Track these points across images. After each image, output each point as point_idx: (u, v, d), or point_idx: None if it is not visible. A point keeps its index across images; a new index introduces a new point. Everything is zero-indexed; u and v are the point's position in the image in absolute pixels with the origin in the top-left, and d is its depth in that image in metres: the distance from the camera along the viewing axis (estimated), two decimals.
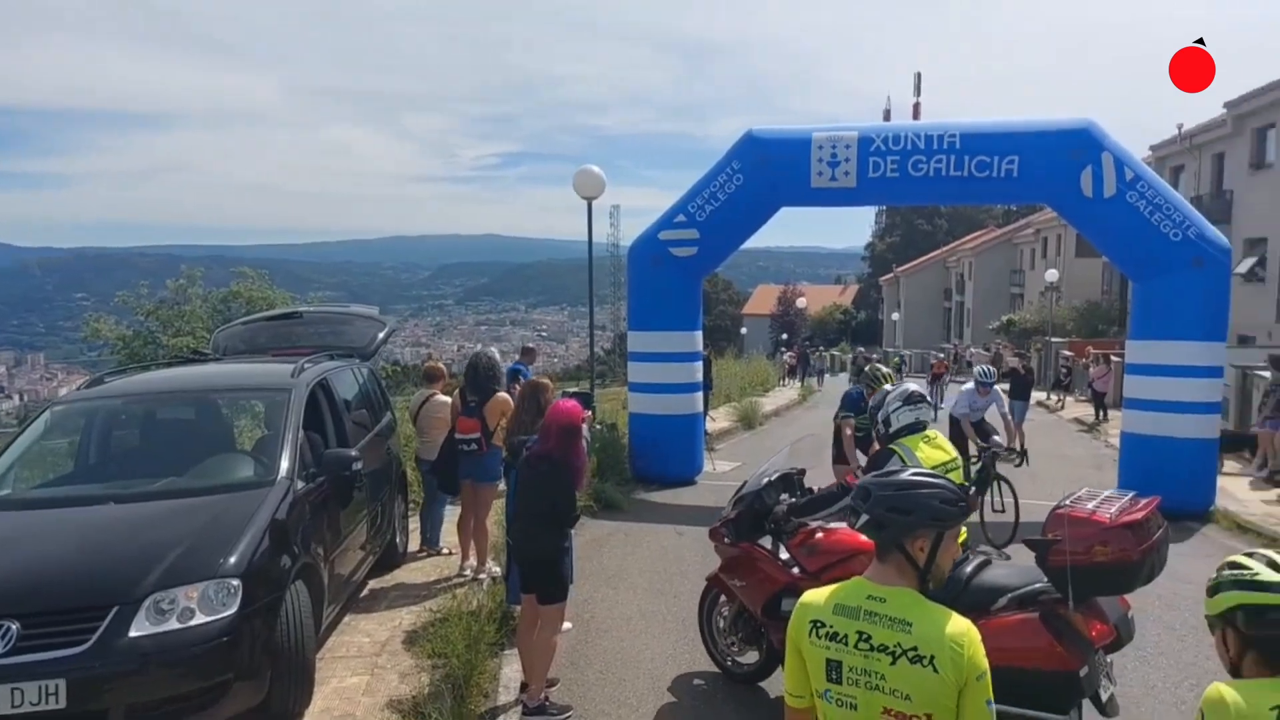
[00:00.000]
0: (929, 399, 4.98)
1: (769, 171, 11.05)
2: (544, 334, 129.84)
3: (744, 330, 63.94)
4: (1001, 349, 30.75)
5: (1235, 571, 1.96)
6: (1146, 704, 5.17)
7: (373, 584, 7.03)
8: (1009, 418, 9.48)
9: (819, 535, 4.83)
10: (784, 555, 4.96)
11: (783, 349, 45.13)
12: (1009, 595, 3.96)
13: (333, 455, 5.60)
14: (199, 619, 4.06)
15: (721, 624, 5.45)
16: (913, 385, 5.07)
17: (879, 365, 7.48)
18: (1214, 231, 10.31)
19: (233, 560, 4.28)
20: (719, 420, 17.55)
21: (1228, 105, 24.43)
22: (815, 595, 2.27)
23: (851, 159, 10.72)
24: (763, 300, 79.57)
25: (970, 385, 9.68)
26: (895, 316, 61.61)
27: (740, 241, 12.04)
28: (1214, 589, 2.00)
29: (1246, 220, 23.87)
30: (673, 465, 11.50)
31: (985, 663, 2.09)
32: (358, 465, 5.56)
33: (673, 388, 11.59)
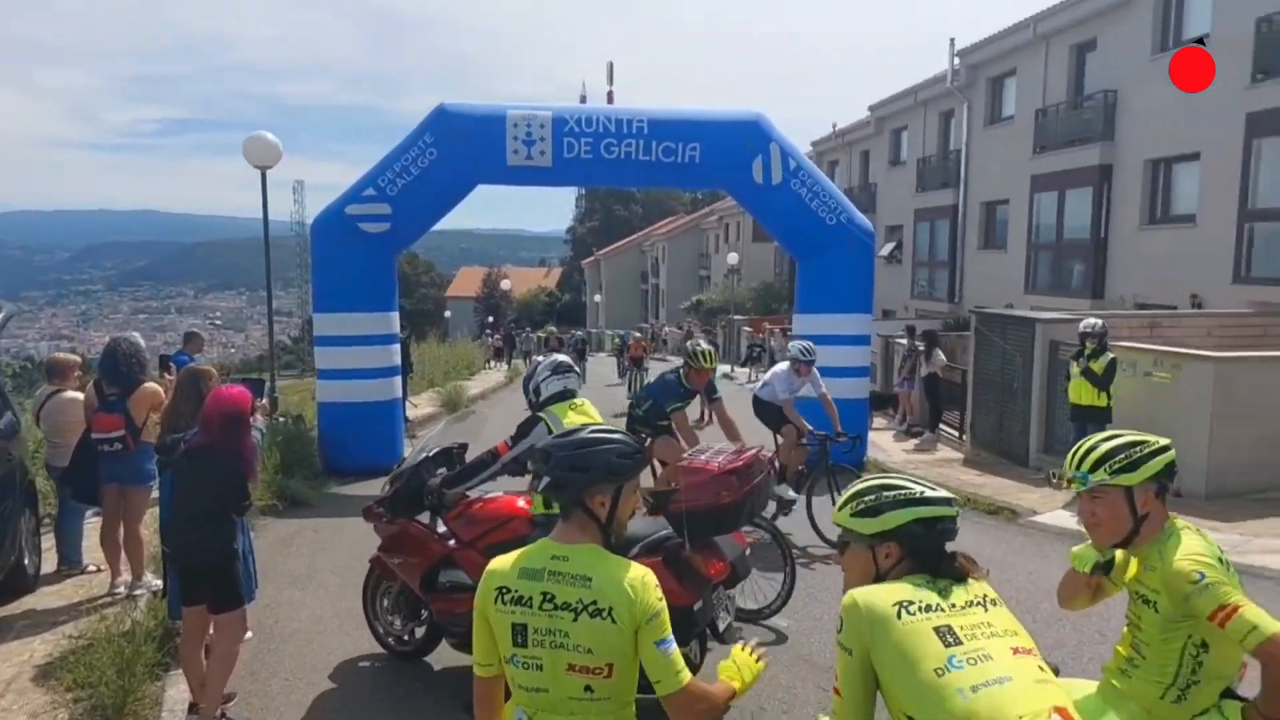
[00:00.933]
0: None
1: (464, 147, 10.81)
2: (218, 322, 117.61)
3: (448, 313, 62.83)
4: (692, 327, 33.00)
5: (895, 493, 2.17)
6: (815, 635, 5.68)
7: None
8: (828, 397, 8.55)
9: (476, 505, 4.97)
10: (441, 528, 5.05)
11: (489, 331, 44.96)
12: (640, 544, 4.28)
13: None
14: None
15: (386, 603, 5.40)
16: (561, 356, 5.25)
17: (699, 342, 7.26)
18: (861, 217, 11.68)
19: None
20: (421, 406, 17.01)
21: (871, 108, 27.94)
22: (501, 562, 2.27)
23: (547, 139, 10.80)
24: (466, 282, 78.69)
25: (785, 366, 8.56)
26: (598, 298, 63.80)
27: (436, 218, 11.66)
28: (874, 510, 2.17)
29: (887, 210, 27.50)
30: (369, 454, 10.88)
31: (659, 605, 2.18)
32: None
33: (367, 373, 10.97)
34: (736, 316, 33.49)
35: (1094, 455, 2.49)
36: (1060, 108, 18.56)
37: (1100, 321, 9.20)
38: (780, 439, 8.46)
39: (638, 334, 23.85)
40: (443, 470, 5.16)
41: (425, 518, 5.15)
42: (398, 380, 11.77)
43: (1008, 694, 1.86)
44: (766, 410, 8.55)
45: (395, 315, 11.60)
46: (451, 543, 4.96)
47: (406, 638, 5.38)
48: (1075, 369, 9.13)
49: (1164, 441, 2.52)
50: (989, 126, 21.66)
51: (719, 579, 4.40)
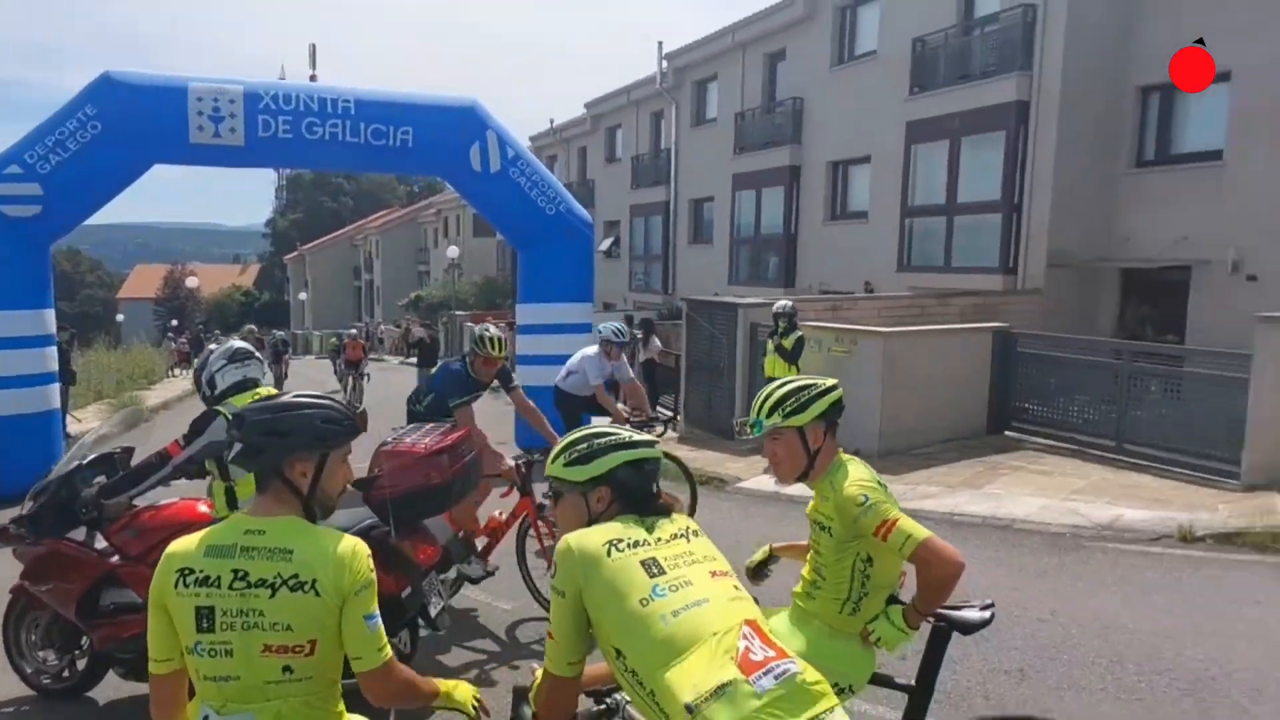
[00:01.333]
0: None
1: (135, 122, 9.50)
2: None
3: (120, 316, 55.86)
4: (410, 323, 31.92)
5: (605, 439, 2.23)
6: None
7: None
8: (636, 381, 8.09)
9: (145, 515, 4.39)
10: (101, 544, 4.39)
11: (172, 335, 40.59)
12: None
13: None
14: None
15: (34, 638, 4.65)
16: (238, 342, 4.72)
17: (489, 326, 6.34)
18: (580, 208, 11.83)
19: None
20: (87, 420, 14.82)
21: (587, 106, 28.58)
22: (184, 543, 2.09)
23: (238, 115, 9.81)
24: (143, 282, 70.46)
25: (593, 350, 7.91)
26: (303, 296, 59.69)
27: (101, 201, 10.16)
28: (586, 458, 2.20)
29: (605, 206, 28.29)
30: (19, 475, 8.98)
31: (370, 575, 2.07)
32: None
33: (13, 381, 9.27)
34: (459, 312, 32.84)
35: (769, 402, 2.75)
36: (756, 112, 20.09)
37: (791, 303, 10.21)
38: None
39: (354, 333, 22.32)
40: (101, 478, 4.47)
41: (81, 534, 4.42)
42: (55, 389, 10.08)
43: (705, 615, 1.95)
44: (572, 403, 7.93)
45: (50, 314, 9.92)
46: (115, 559, 4.31)
47: (65, 674, 4.63)
48: (770, 346, 10.09)
49: (830, 383, 2.78)
50: (695, 127, 22.97)
51: (430, 564, 4.27)
